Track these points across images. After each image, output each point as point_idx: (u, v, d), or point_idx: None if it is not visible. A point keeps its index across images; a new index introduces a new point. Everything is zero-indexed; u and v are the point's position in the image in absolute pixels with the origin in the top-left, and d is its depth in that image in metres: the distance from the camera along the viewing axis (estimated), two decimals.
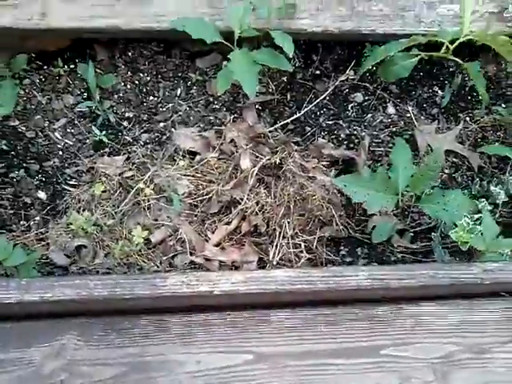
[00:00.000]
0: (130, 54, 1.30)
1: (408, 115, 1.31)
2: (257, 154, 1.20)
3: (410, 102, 1.32)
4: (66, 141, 1.23)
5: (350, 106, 1.31)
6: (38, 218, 1.17)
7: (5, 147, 1.20)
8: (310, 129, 1.28)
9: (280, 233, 1.15)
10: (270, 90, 1.30)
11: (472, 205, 1.10)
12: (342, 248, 1.19)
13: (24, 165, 1.20)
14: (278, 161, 1.19)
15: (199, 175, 1.18)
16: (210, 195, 1.16)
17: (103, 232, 1.14)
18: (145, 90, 1.29)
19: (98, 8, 1.17)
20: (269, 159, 1.19)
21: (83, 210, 1.15)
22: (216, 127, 1.25)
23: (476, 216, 1.07)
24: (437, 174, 1.10)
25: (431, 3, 1.27)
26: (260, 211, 1.16)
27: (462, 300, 1.04)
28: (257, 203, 1.16)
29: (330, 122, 1.29)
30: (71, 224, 1.13)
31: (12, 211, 1.16)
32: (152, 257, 1.13)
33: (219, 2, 1.20)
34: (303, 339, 0.97)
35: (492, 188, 1.18)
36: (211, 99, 1.29)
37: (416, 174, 1.07)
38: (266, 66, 1.19)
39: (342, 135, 1.28)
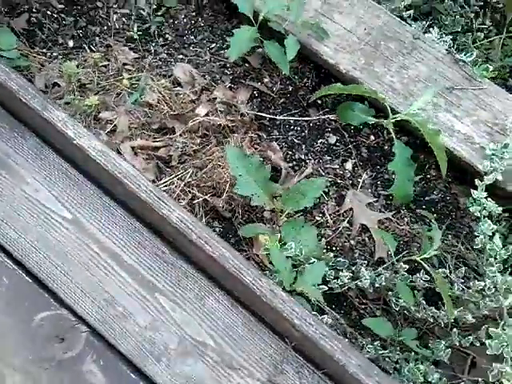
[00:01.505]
0: (205, 1, 1.56)
1: (359, 179, 1.37)
2: (219, 114, 1.37)
3: (370, 172, 1.38)
4: (115, 23, 1.52)
5: (320, 140, 1.41)
6: (54, 54, 1.46)
7: None
8: (277, 134, 1.41)
9: (180, 175, 1.30)
10: (273, 88, 1.45)
11: (319, 252, 1.14)
12: (216, 224, 1.29)
13: (77, 18, 1.51)
14: (227, 127, 1.34)
15: (167, 97, 1.38)
16: (159, 114, 1.35)
17: (79, 87, 1.39)
18: (192, 30, 1.53)
19: None
20: (220, 123, 1.35)
21: (81, 66, 1.42)
22: (211, 82, 1.44)
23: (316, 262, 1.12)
24: (300, 204, 1.16)
25: (437, 105, 1.33)
26: (182, 149, 1.32)
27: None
28: (185, 143, 1.32)
29: (296, 141, 1.40)
30: (64, 68, 1.40)
31: (44, 37, 1.47)
32: (91, 125, 1.35)
33: None
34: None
35: (363, 270, 1.20)
36: (228, 65, 1.48)
37: (288, 194, 1.15)
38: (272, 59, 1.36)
39: (296, 156, 1.39)
